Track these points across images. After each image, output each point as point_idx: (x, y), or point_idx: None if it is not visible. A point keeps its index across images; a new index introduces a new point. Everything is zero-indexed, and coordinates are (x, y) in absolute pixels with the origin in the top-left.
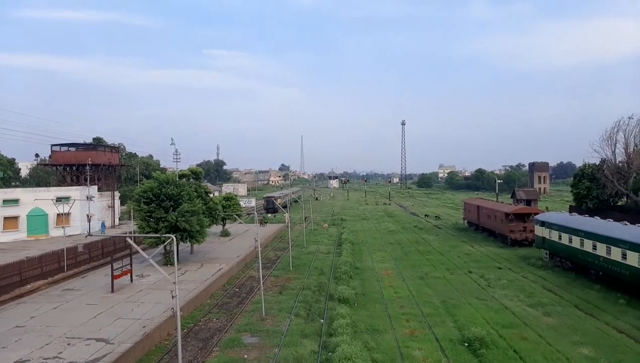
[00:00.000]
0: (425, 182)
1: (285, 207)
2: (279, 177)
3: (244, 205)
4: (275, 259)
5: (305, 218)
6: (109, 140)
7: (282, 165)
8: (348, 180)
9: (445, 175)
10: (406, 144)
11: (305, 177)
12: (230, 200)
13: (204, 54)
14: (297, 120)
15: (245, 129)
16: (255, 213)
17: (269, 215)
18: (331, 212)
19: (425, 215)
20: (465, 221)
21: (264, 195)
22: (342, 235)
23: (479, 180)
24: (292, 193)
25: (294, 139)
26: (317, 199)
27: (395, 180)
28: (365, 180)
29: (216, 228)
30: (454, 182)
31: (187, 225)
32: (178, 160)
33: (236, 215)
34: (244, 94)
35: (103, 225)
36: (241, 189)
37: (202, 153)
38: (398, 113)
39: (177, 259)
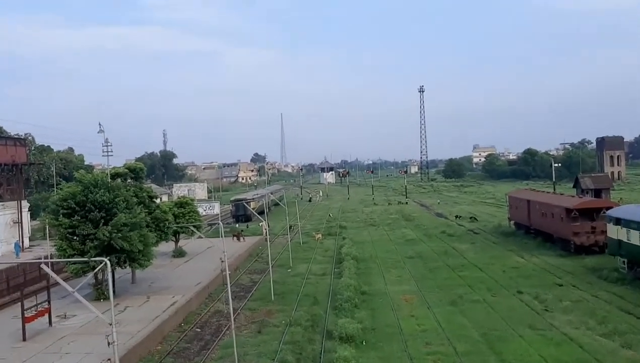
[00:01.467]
0: (455, 170)
1: (261, 213)
2: (252, 171)
3: (204, 213)
4: (251, 285)
5: (291, 227)
6: (11, 129)
7: (256, 155)
8: (348, 172)
9: (482, 159)
10: (426, 120)
11: (289, 170)
12: (184, 207)
13: (140, 3)
14: (275, 92)
15: (203, 108)
16: (220, 223)
17: (238, 225)
18: (326, 218)
19: (456, 217)
20: (512, 222)
21: (232, 198)
22: (342, 249)
23: (529, 165)
24: (271, 193)
25: (271, 119)
26: (310, 201)
27: (414, 169)
28: (372, 171)
29: (167, 247)
30: (495, 169)
31: (126, 244)
32: (110, 153)
33: (194, 227)
34: (199, 58)
35: (17, 246)
36: (199, 191)
37: (143, 143)
38: (414, 80)
39: (114, 291)
